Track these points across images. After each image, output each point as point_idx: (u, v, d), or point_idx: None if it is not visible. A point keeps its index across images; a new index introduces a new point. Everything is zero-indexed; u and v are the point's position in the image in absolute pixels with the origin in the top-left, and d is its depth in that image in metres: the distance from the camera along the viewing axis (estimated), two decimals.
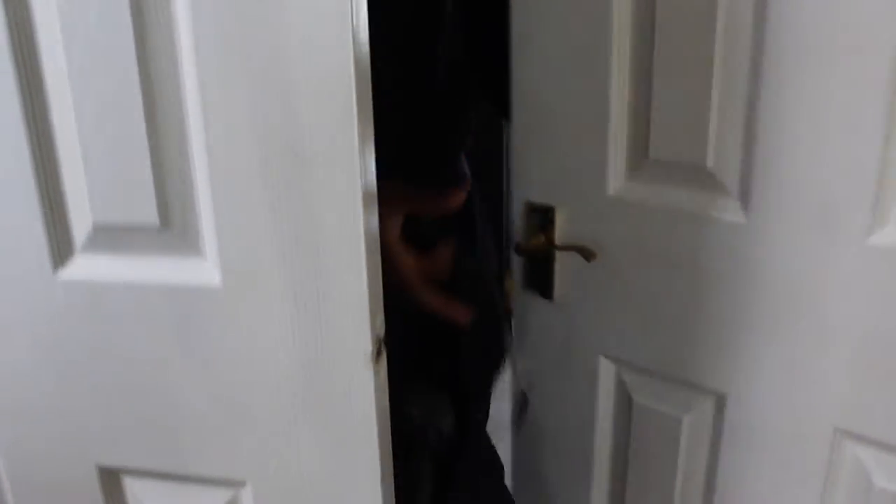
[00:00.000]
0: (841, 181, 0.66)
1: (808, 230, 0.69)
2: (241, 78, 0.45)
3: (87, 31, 0.46)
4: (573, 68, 0.82)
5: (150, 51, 0.46)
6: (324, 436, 0.54)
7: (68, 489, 0.63)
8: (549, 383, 0.98)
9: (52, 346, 0.56)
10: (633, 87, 0.79)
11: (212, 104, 0.46)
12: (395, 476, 0.57)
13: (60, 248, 0.53)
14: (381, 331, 0.51)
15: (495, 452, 0.97)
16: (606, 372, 0.92)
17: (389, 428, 0.55)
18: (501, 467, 0.99)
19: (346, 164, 0.45)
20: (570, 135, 0.84)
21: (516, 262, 0.96)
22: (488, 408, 0.94)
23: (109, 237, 0.53)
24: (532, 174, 0.89)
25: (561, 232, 0.88)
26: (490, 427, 0.96)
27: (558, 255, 0.90)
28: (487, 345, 0.91)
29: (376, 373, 0.51)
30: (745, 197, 0.73)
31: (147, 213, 0.50)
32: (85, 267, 0.53)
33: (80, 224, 0.53)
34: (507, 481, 1.02)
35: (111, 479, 0.62)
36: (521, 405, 1.01)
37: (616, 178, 0.82)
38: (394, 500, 0.57)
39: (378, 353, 0.51)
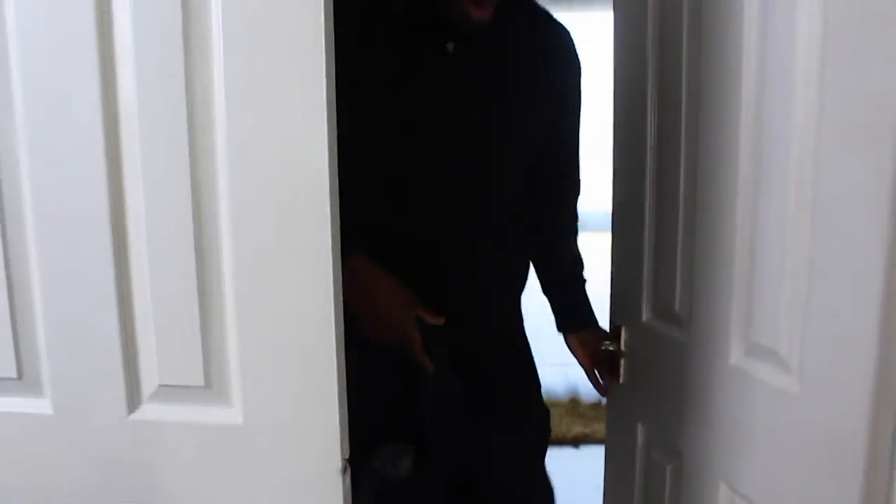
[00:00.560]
0: None
1: None
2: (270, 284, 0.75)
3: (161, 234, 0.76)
4: None
5: (205, 276, 0.76)
6: None
7: None
8: None
9: (119, 470, 0.83)
10: None
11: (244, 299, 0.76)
12: None
13: (132, 399, 0.81)
14: (347, 454, 0.79)
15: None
16: None
17: None
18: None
19: (328, 357, 0.75)
20: None
21: None
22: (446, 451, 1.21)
23: (168, 392, 0.80)
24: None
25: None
26: None
27: None
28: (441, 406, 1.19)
29: (343, 482, 0.79)
30: None
31: (196, 378, 0.79)
32: (150, 413, 0.81)
33: (149, 383, 0.80)
34: None
35: None
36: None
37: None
38: None
39: (345, 470, 0.79)
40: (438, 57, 1.13)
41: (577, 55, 1.32)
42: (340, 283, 0.76)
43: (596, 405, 3.35)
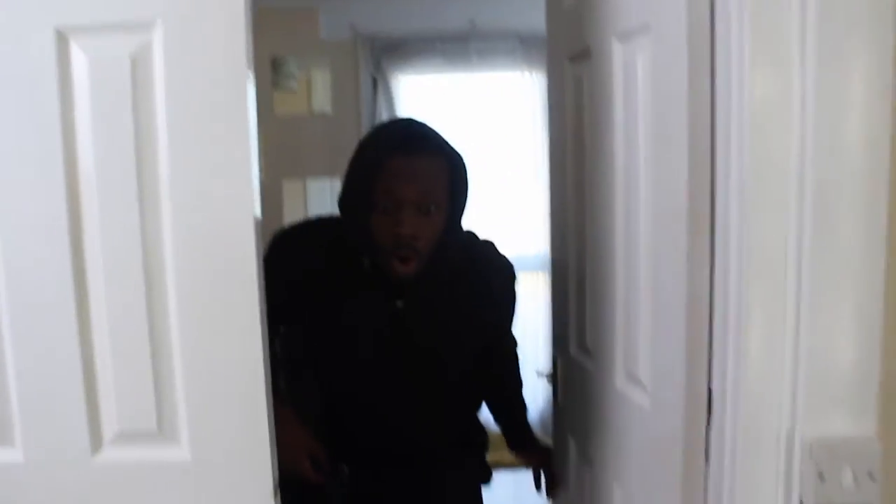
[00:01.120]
0: None
1: None
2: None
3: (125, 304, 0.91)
4: None
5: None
6: None
7: None
8: None
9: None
10: None
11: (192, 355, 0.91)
12: None
13: (94, 441, 0.95)
14: (277, 479, 0.94)
15: None
16: None
17: None
18: None
19: (258, 399, 0.90)
20: None
21: None
22: None
23: (125, 436, 0.95)
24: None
25: None
26: None
27: None
28: None
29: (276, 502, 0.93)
30: None
31: (149, 422, 0.93)
32: (110, 455, 0.95)
33: (109, 430, 0.95)
34: None
35: None
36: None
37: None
38: None
39: (276, 493, 0.93)
40: (390, 311, 1.42)
41: (509, 280, 1.57)
42: (268, 341, 0.92)
43: None
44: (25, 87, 0.87)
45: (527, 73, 4.01)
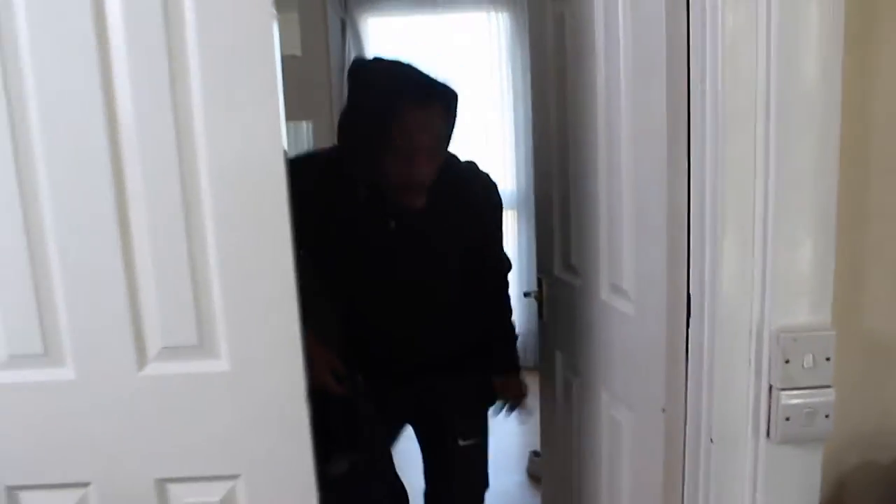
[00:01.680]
0: None
1: None
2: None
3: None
4: None
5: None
6: None
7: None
8: None
9: (134, 413, 1.06)
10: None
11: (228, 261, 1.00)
12: None
13: (140, 358, 1.04)
14: (308, 384, 1.05)
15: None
16: None
17: None
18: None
19: (290, 310, 1.00)
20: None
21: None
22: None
23: (168, 352, 1.04)
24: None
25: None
26: None
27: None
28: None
29: (308, 406, 1.04)
30: None
31: (190, 338, 1.03)
32: (155, 369, 1.04)
33: (153, 346, 1.04)
34: None
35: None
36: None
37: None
38: None
39: (308, 396, 1.04)
40: (385, 232, 1.55)
41: (494, 195, 1.71)
42: (296, 254, 1.02)
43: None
44: (65, 26, 0.93)
45: (492, 14, 4.06)
